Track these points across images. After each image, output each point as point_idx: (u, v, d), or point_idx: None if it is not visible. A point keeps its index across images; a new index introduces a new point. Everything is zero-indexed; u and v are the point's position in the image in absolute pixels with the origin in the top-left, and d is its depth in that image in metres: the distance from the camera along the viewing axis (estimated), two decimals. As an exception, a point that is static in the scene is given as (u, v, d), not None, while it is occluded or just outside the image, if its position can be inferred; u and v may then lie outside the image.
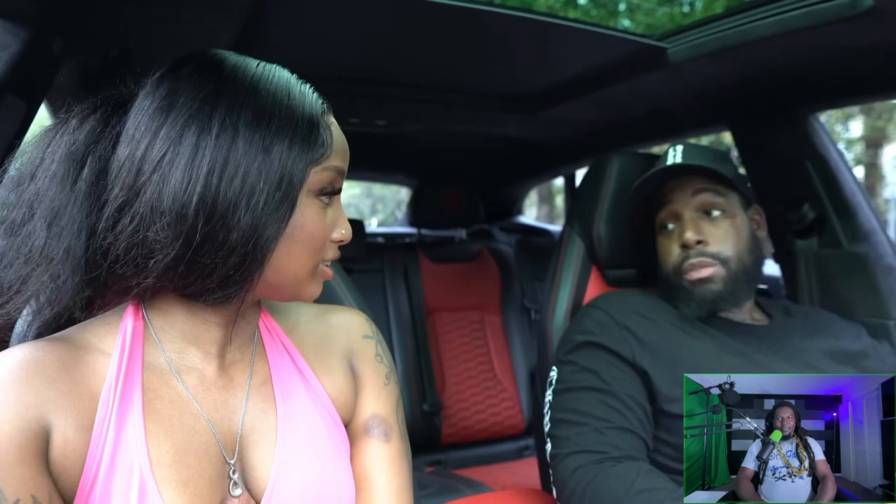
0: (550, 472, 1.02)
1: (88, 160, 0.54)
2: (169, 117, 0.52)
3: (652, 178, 1.10)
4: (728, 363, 0.99)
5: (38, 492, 0.49)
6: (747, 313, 1.10)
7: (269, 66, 0.58)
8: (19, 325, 0.61)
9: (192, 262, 0.52)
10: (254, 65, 0.57)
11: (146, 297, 0.58)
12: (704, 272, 1.04)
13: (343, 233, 0.61)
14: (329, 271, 0.62)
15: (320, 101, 0.59)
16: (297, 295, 0.61)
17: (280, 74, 0.57)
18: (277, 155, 0.53)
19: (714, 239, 1.05)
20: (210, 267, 0.53)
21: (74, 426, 0.52)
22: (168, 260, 0.52)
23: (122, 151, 0.53)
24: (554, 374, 1.08)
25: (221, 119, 0.52)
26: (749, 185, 1.13)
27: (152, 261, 0.52)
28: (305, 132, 0.55)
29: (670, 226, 1.09)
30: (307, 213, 0.57)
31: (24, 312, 0.59)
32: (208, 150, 0.51)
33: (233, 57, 0.57)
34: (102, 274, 0.54)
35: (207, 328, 0.60)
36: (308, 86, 0.59)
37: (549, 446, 1.03)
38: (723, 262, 1.04)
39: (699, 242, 1.04)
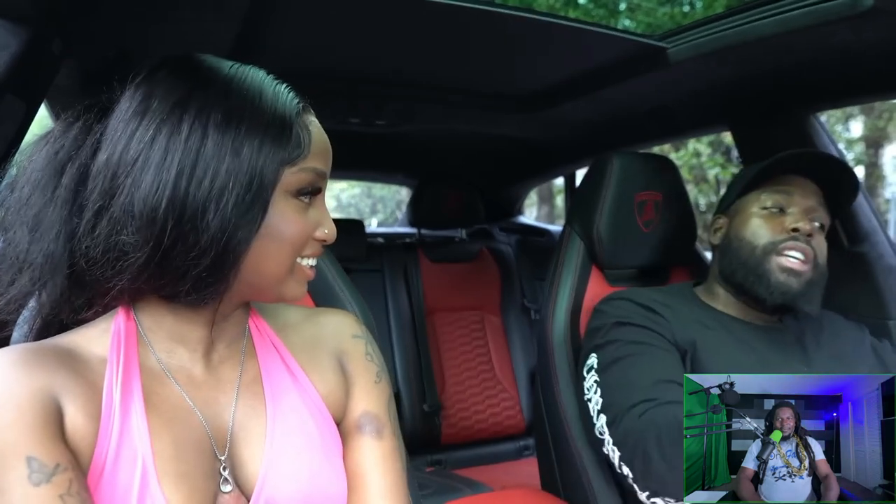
0: (611, 446, 0.98)
1: (68, 167, 0.54)
2: (143, 121, 0.52)
3: (805, 157, 1.06)
4: (743, 360, 0.99)
5: (64, 461, 0.49)
6: (760, 314, 1.10)
7: (243, 67, 0.57)
8: (16, 333, 0.62)
9: (163, 264, 0.52)
10: (227, 66, 0.57)
11: (128, 300, 0.59)
12: (801, 266, 1.01)
13: (326, 232, 0.60)
14: (310, 272, 0.61)
15: (296, 101, 0.58)
16: (280, 295, 0.60)
17: (253, 75, 0.57)
18: (247, 156, 0.53)
19: (818, 246, 1.04)
20: (182, 269, 0.53)
21: (83, 414, 0.52)
22: (140, 262, 0.52)
23: (101, 156, 0.53)
24: (593, 358, 1.06)
25: (191, 121, 0.52)
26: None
27: (126, 263, 0.52)
28: (277, 132, 0.55)
29: (776, 209, 1.05)
30: (285, 213, 0.56)
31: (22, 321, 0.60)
32: (178, 152, 0.51)
33: (208, 59, 0.57)
34: (83, 276, 0.55)
35: (193, 328, 0.60)
36: (284, 85, 0.58)
37: (603, 417, 1.01)
38: (815, 265, 1.03)
39: (810, 236, 1.02)
